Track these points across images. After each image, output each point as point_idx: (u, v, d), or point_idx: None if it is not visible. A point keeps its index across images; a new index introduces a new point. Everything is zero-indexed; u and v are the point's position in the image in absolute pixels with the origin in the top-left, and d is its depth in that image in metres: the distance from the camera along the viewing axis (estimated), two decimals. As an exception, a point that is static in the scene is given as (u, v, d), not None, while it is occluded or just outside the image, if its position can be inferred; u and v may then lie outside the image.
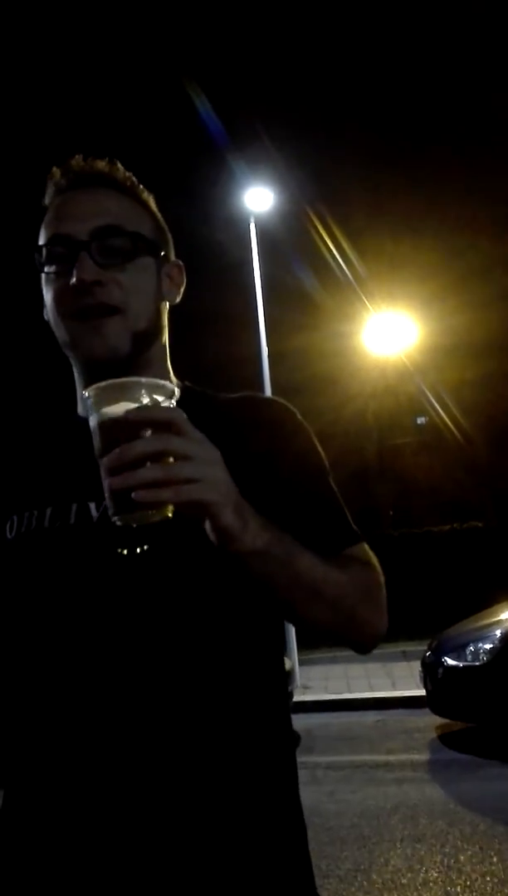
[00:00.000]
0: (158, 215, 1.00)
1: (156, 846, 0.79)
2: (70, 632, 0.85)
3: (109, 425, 0.70)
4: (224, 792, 0.82)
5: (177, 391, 0.73)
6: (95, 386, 0.71)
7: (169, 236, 1.01)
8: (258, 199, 10.16)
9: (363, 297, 14.09)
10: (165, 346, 1.00)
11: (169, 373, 1.01)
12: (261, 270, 9.90)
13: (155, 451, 0.67)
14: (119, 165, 0.96)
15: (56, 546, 0.88)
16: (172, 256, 1.02)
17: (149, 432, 0.68)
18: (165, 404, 0.71)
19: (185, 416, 0.71)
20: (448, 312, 15.37)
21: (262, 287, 9.79)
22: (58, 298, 0.91)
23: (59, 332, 0.93)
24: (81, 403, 0.99)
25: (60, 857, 0.81)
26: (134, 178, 0.97)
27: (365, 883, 3.19)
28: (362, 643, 0.92)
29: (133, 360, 0.92)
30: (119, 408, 0.69)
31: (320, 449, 0.98)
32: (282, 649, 0.95)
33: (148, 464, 0.67)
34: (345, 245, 13.82)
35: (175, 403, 0.73)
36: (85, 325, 0.90)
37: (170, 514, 0.70)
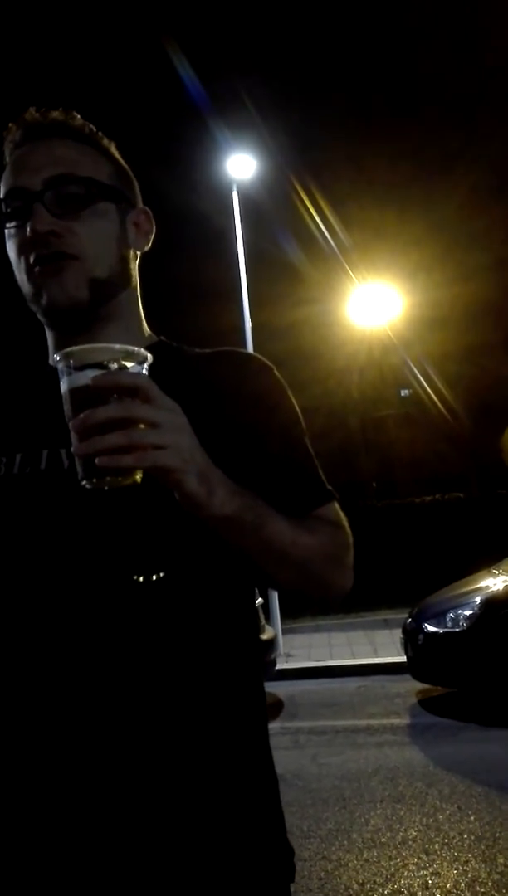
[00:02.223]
0: (121, 161, 0.98)
1: (131, 807, 0.80)
2: (38, 581, 0.84)
3: (76, 391, 0.70)
4: (199, 752, 0.83)
5: (150, 357, 0.73)
6: (65, 350, 0.71)
7: (134, 183, 0.99)
8: (241, 166, 10.01)
9: (348, 269, 14.02)
10: (136, 296, 0.99)
11: (142, 324, 1.00)
12: (244, 240, 9.79)
13: (118, 418, 0.67)
14: (75, 114, 0.94)
15: (26, 492, 0.87)
16: (139, 203, 1.00)
17: (116, 398, 0.68)
18: (136, 370, 0.71)
19: (152, 382, 0.71)
20: (433, 284, 15.35)
21: (245, 257, 9.70)
22: (18, 252, 0.91)
23: (22, 286, 0.92)
24: (52, 354, 0.98)
25: (32, 814, 0.81)
26: (92, 126, 0.95)
27: (346, 842, 3.27)
28: (326, 600, 0.94)
29: (96, 309, 0.91)
30: (87, 374, 0.69)
31: (296, 407, 0.97)
32: (255, 616, 0.96)
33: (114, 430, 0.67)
34: (329, 215, 13.71)
35: (147, 369, 0.72)
36: (43, 274, 0.89)
37: (138, 480, 0.70)
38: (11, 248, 0.92)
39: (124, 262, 0.95)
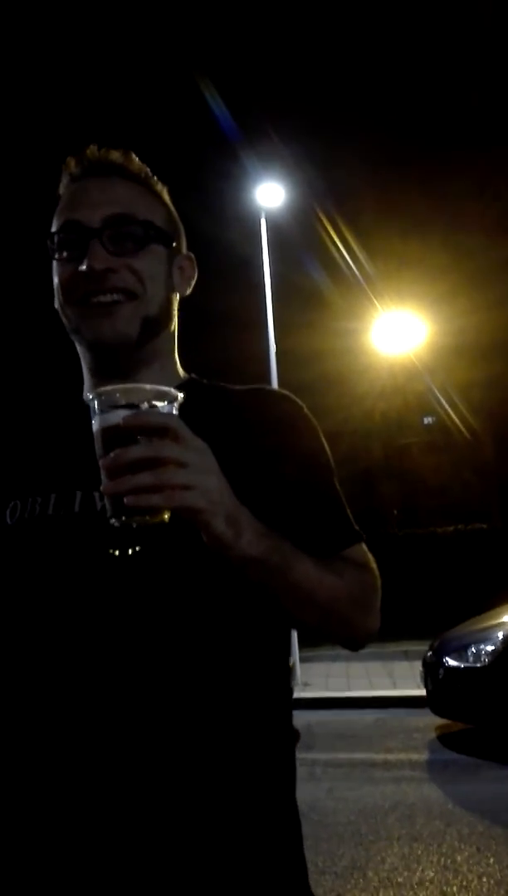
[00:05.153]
0: (171, 207, 1.00)
1: (150, 842, 0.79)
2: (68, 623, 0.85)
3: (107, 430, 0.71)
4: (220, 788, 0.82)
5: (180, 396, 0.74)
6: (97, 390, 0.73)
7: (181, 229, 1.02)
8: (269, 194, 10.15)
9: (372, 296, 14.06)
10: (173, 337, 1.01)
11: (176, 364, 1.02)
12: (270, 268, 9.89)
13: (146, 458, 0.69)
14: (133, 156, 0.97)
15: (59, 534, 0.88)
16: (184, 249, 1.02)
17: (146, 438, 0.69)
18: (166, 410, 0.72)
19: (181, 422, 0.72)
20: (458, 312, 15.31)
21: (271, 285, 9.79)
22: (67, 285, 0.92)
23: (68, 318, 0.94)
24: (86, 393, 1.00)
25: (53, 855, 0.81)
26: (148, 170, 0.98)
27: (361, 880, 3.20)
28: (352, 642, 0.94)
29: (141, 347, 0.93)
30: (118, 414, 0.71)
31: (325, 446, 0.98)
32: (286, 647, 0.95)
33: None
34: (354, 243, 13.79)
35: (177, 409, 0.74)
36: (95, 309, 0.90)
37: (166, 519, 0.71)
38: (58, 280, 0.93)
39: (169, 304, 0.98)
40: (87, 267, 0.88)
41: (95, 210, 0.91)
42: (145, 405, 0.71)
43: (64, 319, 0.95)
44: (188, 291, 1.02)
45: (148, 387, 0.73)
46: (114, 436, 0.70)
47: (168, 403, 0.73)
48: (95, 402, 0.73)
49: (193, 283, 1.02)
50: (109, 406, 0.72)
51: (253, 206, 10.24)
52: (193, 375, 1.03)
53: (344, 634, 0.92)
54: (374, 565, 0.94)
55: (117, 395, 0.72)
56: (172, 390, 0.74)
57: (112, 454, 0.69)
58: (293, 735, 0.94)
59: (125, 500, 0.68)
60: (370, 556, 0.94)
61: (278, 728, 0.91)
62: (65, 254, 0.92)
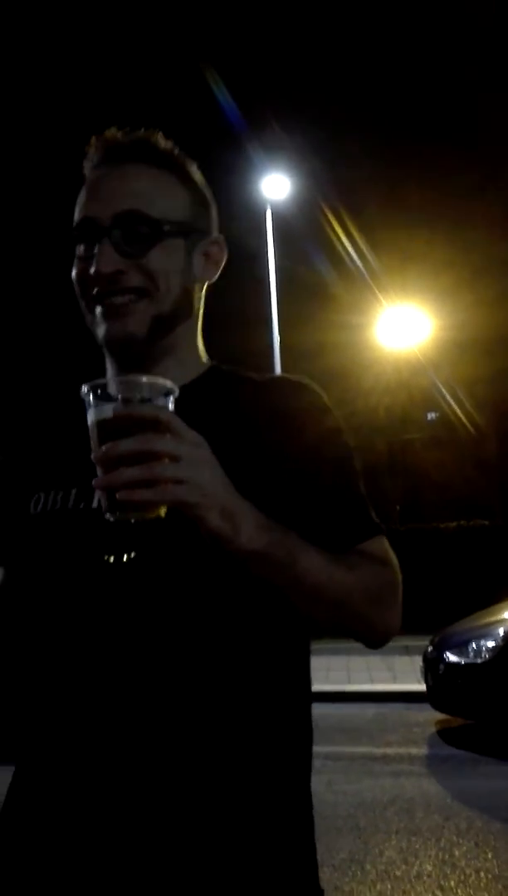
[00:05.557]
0: (199, 185, 0.96)
1: (160, 841, 0.79)
2: (84, 617, 0.84)
3: (101, 423, 0.71)
4: (231, 787, 0.82)
5: (176, 390, 0.73)
6: (90, 383, 0.72)
7: (210, 207, 0.98)
8: (275, 186, 10.13)
9: (377, 291, 14.03)
10: (195, 325, 0.98)
11: (198, 354, 0.99)
12: (275, 261, 9.88)
13: (137, 451, 0.67)
14: (158, 135, 0.93)
15: (77, 529, 0.88)
16: (214, 230, 0.98)
17: (138, 431, 0.69)
18: (161, 403, 0.71)
19: (174, 415, 0.71)
20: (462, 307, 15.26)
21: (276, 278, 9.78)
22: (81, 283, 0.92)
23: (84, 315, 0.94)
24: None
25: (65, 848, 0.81)
26: (175, 148, 0.94)
27: (359, 873, 3.21)
28: (370, 641, 0.91)
29: (154, 344, 0.92)
30: (111, 407, 0.70)
31: (344, 437, 0.95)
32: (305, 641, 0.92)
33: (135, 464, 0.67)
34: (359, 237, 13.75)
35: (172, 401, 0.73)
36: (107, 309, 0.90)
37: (162, 514, 0.70)
38: (74, 275, 0.93)
39: (187, 295, 0.94)
40: (94, 271, 0.88)
41: (108, 205, 0.89)
42: (138, 398, 0.71)
43: (83, 312, 0.94)
44: (215, 276, 0.98)
45: (144, 379, 0.72)
46: (107, 429, 0.70)
47: (163, 396, 0.72)
48: (90, 396, 0.72)
49: (221, 266, 0.99)
50: (102, 399, 0.71)
51: (259, 198, 10.22)
52: (214, 362, 1.01)
53: (359, 631, 0.89)
54: (394, 559, 0.91)
55: (112, 388, 0.71)
56: (168, 383, 0.73)
57: (103, 448, 0.68)
58: (311, 729, 0.92)
59: (117, 495, 0.67)
60: (391, 551, 0.91)
61: (295, 723, 0.90)
62: (82, 249, 0.92)
